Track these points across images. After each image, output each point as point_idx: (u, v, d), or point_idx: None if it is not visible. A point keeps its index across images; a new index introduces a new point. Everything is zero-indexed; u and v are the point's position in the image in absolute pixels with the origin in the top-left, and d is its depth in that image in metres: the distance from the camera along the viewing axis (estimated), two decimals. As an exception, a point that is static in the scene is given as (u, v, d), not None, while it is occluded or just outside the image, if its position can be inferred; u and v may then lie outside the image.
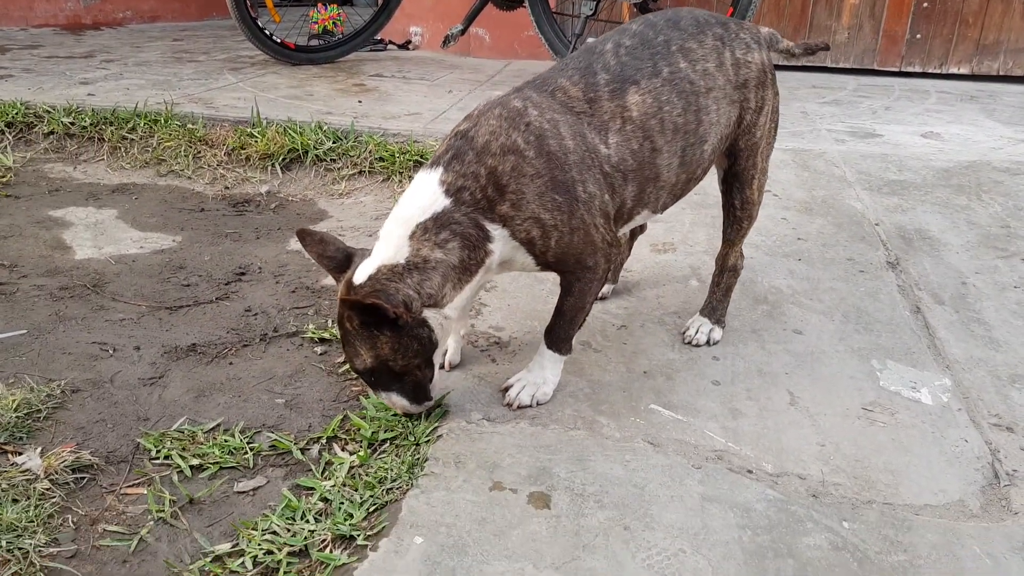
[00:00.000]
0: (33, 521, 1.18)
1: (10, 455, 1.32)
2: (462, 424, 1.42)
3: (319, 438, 1.41)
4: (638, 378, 1.56)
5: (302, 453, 1.38)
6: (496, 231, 1.28)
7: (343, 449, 1.39)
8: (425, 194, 1.26)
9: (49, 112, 2.89)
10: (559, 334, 1.45)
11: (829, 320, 1.78)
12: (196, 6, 5.58)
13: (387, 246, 1.26)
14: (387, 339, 1.26)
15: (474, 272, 1.30)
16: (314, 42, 4.04)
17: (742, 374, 1.57)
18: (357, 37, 3.93)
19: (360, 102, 3.13)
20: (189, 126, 2.78)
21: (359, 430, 1.42)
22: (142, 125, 2.81)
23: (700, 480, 1.28)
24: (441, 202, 1.25)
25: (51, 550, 1.14)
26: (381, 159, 2.60)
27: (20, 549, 1.13)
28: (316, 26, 4.27)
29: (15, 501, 1.21)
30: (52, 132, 2.84)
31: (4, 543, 1.13)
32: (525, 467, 1.31)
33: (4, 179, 2.58)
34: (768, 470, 1.32)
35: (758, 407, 1.48)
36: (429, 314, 1.28)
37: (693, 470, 1.30)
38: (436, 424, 1.41)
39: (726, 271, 1.68)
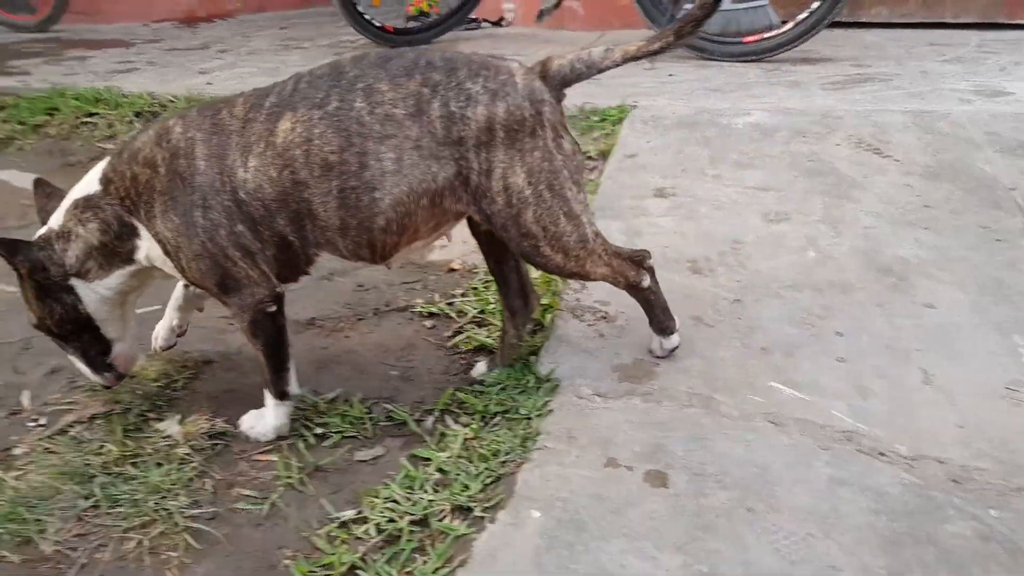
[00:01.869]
0: (176, 484, 1.26)
1: (153, 422, 1.41)
2: (572, 399, 1.41)
3: (432, 410, 1.44)
4: (755, 354, 1.51)
5: (417, 424, 1.40)
6: (143, 231, 1.31)
7: (456, 421, 1.41)
8: (90, 177, 1.34)
9: (173, 101, 3.04)
10: (264, 376, 1.39)
11: (963, 292, 1.66)
12: (300, -6, 5.76)
13: (57, 214, 1.36)
14: (33, 296, 1.35)
15: (125, 260, 1.34)
16: (411, 24, 4.09)
17: (869, 350, 1.50)
18: (452, 17, 3.96)
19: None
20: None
21: (470, 403, 1.44)
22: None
23: (827, 462, 1.23)
24: (94, 187, 1.32)
25: (192, 511, 1.22)
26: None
27: (165, 509, 1.21)
28: (412, 8, 4.32)
29: (159, 465, 1.29)
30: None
31: (152, 503, 1.21)
32: (640, 444, 1.30)
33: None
34: (903, 452, 1.25)
35: (888, 385, 1.40)
36: (76, 283, 1.34)
37: (820, 451, 1.25)
38: (547, 399, 1.41)
39: (631, 291, 1.46)
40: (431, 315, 1.76)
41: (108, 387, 1.47)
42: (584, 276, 1.38)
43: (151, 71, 3.60)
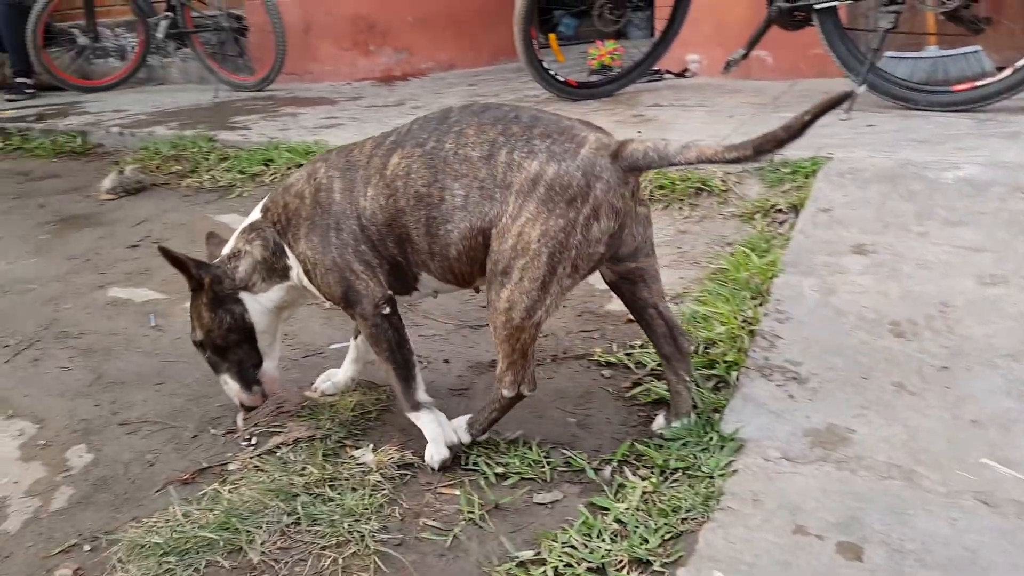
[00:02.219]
0: (368, 509, 1.34)
1: (349, 449, 1.52)
2: (759, 461, 1.36)
3: (610, 460, 1.44)
4: (965, 427, 1.39)
5: (595, 473, 1.41)
6: (290, 252, 1.52)
7: (634, 473, 1.40)
8: (255, 210, 1.60)
9: (371, 153, 3.30)
10: (396, 391, 1.52)
11: None
12: (487, 52, 6.07)
13: (230, 242, 1.62)
14: (206, 307, 1.56)
15: (282, 275, 1.56)
16: (593, 78, 4.19)
17: (1107, 432, 1.33)
18: (635, 70, 4.01)
19: (639, 132, 3.18)
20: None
21: (649, 456, 1.42)
22: (446, 162, 3.10)
23: (1054, 551, 1.10)
24: (257, 216, 1.58)
25: (382, 536, 1.29)
26: (660, 187, 2.61)
27: (358, 532, 1.28)
28: (594, 62, 4.42)
29: (353, 490, 1.38)
30: (373, 170, 3.25)
31: (346, 525, 1.30)
32: (832, 513, 1.22)
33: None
34: None
35: None
36: (244, 295, 1.57)
37: (1044, 538, 1.12)
38: (731, 458, 1.37)
39: (497, 388, 1.44)
40: (609, 365, 1.77)
41: (251, 408, 1.66)
42: (496, 335, 1.38)
43: (353, 126, 3.93)
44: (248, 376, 1.62)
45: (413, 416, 1.49)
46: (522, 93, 4.56)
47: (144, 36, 5.82)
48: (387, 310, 1.45)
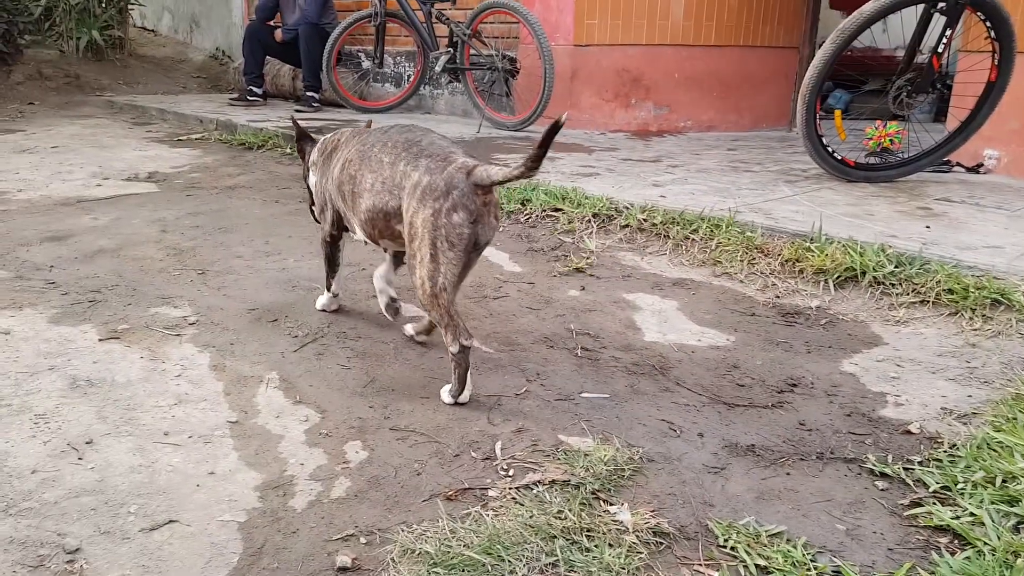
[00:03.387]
0: (624, 569, 1.34)
1: (602, 502, 1.54)
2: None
3: (884, 581, 1.34)
4: None
5: (867, 592, 1.31)
6: (312, 171, 2.50)
7: (912, 603, 1.28)
8: (321, 139, 2.51)
9: (628, 208, 3.36)
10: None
11: None
12: (749, 118, 5.99)
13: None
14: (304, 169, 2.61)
15: (310, 175, 2.52)
16: (871, 160, 3.98)
17: None
18: (923, 158, 3.75)
19: (928, 227, 2.96)
20: (748, 233, 2.97)
21: (929, 588, 1.30)
22: (704, 228, 3.09)
23: None
24: (315, 155, 2.49)
25: (639, 602, 1.29)
26: (950, 291, 2.41)
27: (616, 592, 1.29)
28: (871, 143, 4.20)
29: (610, 546, 1.40)
30: (627, 225, 3.30)
31: (604, 582, 1.31)
32: None
33: (588, 260, 3.08)
34: None
35: None
36: (311, 171, 2.51)
37: None
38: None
39: (449, 348, 1.97)
40: (883, 476, 1.65)
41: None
42: (426, 309, 1.99)
43: (610, 177, 4.03)
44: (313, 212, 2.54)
45: (322, 298, 2.57)
46: (787, 164, 4.44)
47: (421, 67, 6.42)
48: (330, 239, 2.41)
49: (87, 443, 1.74)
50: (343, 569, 1.37)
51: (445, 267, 1.88)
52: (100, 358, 2.16)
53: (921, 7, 3.51)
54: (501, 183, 1.86)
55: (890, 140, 4.06)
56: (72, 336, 2.30)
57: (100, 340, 2.28)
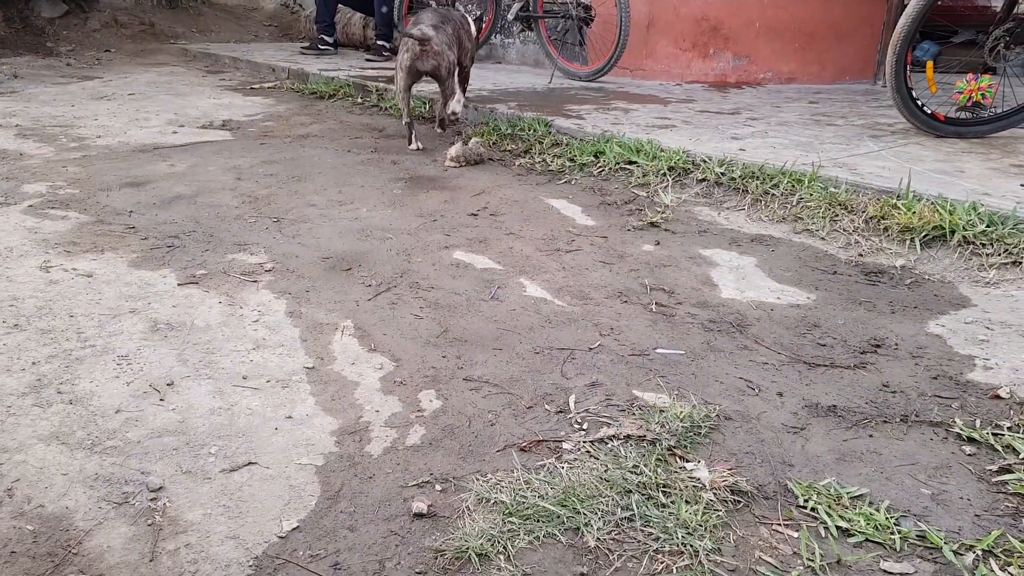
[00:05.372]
0: (702, 526, 1.33)
1: (679, 459, 1.53)
2: None
3: (973, 547, 1.29)
4: None
5: (955, 556, 1.27)
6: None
7: (1003, 569, 1.24)
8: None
9: (705, 162, 3.27)
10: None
11: None
12: (832, 70, 5.72)
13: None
14: None
15: None
16: (962, 114, 3.76)
17: None
18: (1020, 112, 3.52)
19: (1023, 185, 2.80)
20: (831, 189, 2.85)
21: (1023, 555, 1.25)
22: (785, 183, 2.98)
23: None
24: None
25: (715, 557, 1.28)
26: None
27: (691, 547, 1.29)
28: (960, 96, 3.96)
29: (687, 503, 1.39)
30: (704, 179, 3.22)
31: (680, 536, 1.31)
32: None
33: (663, 214, 3.02)
34: None
35: None
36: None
37: None
38: None
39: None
40: (971, 441, 1.58)
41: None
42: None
43: (686, 130, 3.92)
44: None
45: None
46: (872, 118, 4.24)
47: (492, 16, 6.30)
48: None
49: (168, 385, 1.81)
50: (419, 515, 1.40)
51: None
52: (179, 302, 2.24)
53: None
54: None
55: (982, 94, 3.82)
56: (152, 280, 2.38)
57: (179, 284, 2.35)
